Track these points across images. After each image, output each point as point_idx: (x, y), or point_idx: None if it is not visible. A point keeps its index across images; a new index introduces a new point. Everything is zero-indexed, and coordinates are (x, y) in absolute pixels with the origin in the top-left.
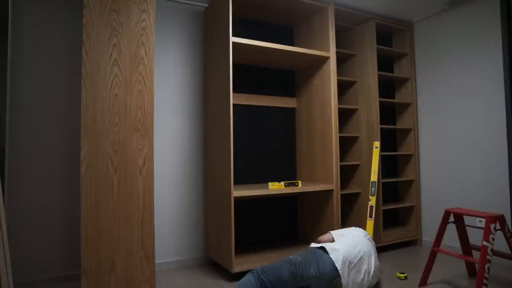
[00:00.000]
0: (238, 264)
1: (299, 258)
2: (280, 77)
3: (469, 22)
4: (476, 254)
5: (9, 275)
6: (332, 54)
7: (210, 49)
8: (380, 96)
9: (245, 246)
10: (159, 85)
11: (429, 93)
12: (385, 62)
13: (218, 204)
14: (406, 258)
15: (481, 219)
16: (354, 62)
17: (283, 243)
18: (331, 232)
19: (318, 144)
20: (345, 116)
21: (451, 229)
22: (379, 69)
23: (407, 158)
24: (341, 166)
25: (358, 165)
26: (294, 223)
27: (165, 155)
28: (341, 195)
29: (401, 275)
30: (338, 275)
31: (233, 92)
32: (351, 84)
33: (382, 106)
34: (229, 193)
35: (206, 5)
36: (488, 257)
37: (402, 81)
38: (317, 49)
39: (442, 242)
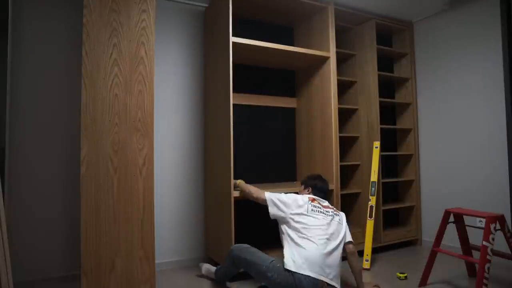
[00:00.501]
0: None
1: (278, 279)
2: (280, 77)
3: (469, 22)
4: (476, 254)
5: (9, 275)
6: (332, 54)
7: (210, 49)
8: (380, 96)
9: None
10: (159, 85)
11: (429, 93)
12: (385, 62)
13: (218, 204)
14: (406, 258)
15: (481, 219)
16: (354, 62)
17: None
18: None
19: (318, 144)
20: (345, 116)
21: (451, 229)
22: (379, 69)
23: (407, 158)
24: (341, 166)
25: (358, 165)
26: None
27: (165, 155)
28: (341, 195)
29: (401, 275)
30: (323, 284)
31: (233, 92)
32: (351, 84)
33: (382, 106)
34: (229, 193)
35: (206, 5)
36: (488, 257)
37: (402, 81)
38: (317, 49)
39: (442, 242)
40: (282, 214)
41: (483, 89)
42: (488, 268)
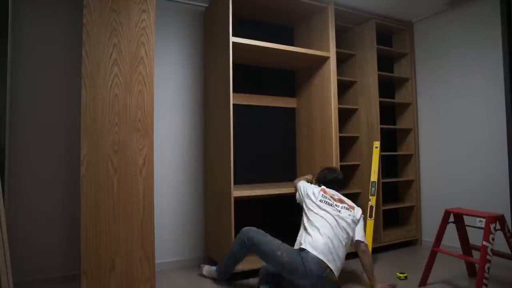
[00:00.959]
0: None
1: (286, 258)
2: (280, 77)
3: (469, 22)
4: (476, 254)
5: (9, 275)
6: (332, 54)
7: (210, 49)
8: (380, 96)
9: None
10: (159, 85)
11: (429, 93)
12: (385, 62)
13: (218, 204)
14: (406, 258)
15: (481, 219)
16: (354, 62)
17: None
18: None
19: (318, 144)
20: (345, 116)
21: (451, 229)
22: (379, 69)
23: (407, 158)
24: (341, 166)
25: (358, 165)
26: (294, 223)
27: (165, 155)
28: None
29: (401, 275)
30: (326, 267)
31: (233, 92)
32: (351, 84)
33: (382, 106)
34: (229, 193)
35: (206, 5)
36: (488, 257)
37: (402, 81)
38: (317, 49)
39: (442, 242)
40: (300, 198)
41: (483, 89)
42: (488, 268)
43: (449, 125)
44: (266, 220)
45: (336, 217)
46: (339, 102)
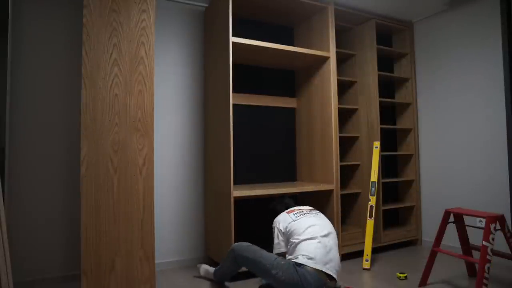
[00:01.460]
0: None
1: (282, 277)
2: (280, 77)
3: (469, 22)
4: (476, 254)
5: (9, 275)
6: (332, 54)
7: (210, 49)
8: (380, 96)
9: None
10: (159, 85)
11: (429, 93)
12: (385, 62)
13: (218, 204)
14: (406, 258)
15: (481, 219)
16: (354, 62)
17: None
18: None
19: (318, 144)
20: (345, 116)
21: (451, 229)
22: (379, 69)
23: (407, 158)
24: (341, 166)
25: (358, 165)
26: None
27: (165, 155)
28: (341, 195)
29: (401, 275)
30: (325, 277)
31: (233, 92)
32: (351, 84)
33: (382, 106)
34: (229, 193)
35: (206, 5)
36: (488, 257)
37: (402, 81)
38: (317, 49)
39: (442, 242)
40: (284, 241)
41: (483, 88)
42: (488, 268)
43: (449, 125)
44: (266, 220)
45: (318, 218)
46: (339, 102)
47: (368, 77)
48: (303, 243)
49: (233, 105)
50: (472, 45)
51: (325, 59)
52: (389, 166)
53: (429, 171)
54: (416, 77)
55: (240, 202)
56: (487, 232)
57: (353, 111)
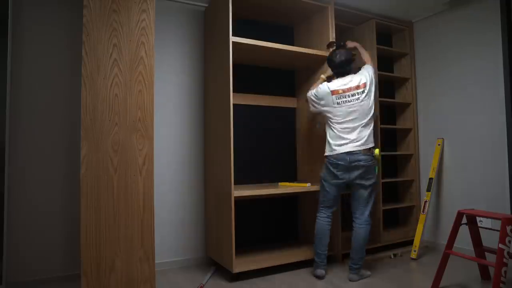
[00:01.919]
0: (239, 264)
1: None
2: (280, 77)
3: (469, 22)
4: (488, 257)
5: None
6: None
7: (210, 49)
8: (380, 96)
9: (245, 246)
10: (159, 85)
11: (429, 93)
12: (385, 62)
13: (218, 204)
14: (406, 258)
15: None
16: (354, 62)
17: (283, 243)
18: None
19: (318, 144)
20: None
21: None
22: (379, 69)
23: (407, 158)
24: None
25: None
26: (294, 223)
27: (165, 155)
28: (341, 194)
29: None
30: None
31: (233, 92)
32: None
33: (382, 106)
34: (229, 193)
35: (206, 5)
36: (504, 260)
37: (402, 81)
38: (317, 49)
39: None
40: (316, 109)
41: (483, 88)
42: (505, 272)
43: (449, 125)
44: (266, 220)
45: (353, 110)
46: None
47: None
48: (331, 132)
49: (233, 105)
50: (472, 44)
51: (325, 59)
52: (389, 166)
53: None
54: (416, 77)
55: (241, 202)
56: (503, 234)
57: None
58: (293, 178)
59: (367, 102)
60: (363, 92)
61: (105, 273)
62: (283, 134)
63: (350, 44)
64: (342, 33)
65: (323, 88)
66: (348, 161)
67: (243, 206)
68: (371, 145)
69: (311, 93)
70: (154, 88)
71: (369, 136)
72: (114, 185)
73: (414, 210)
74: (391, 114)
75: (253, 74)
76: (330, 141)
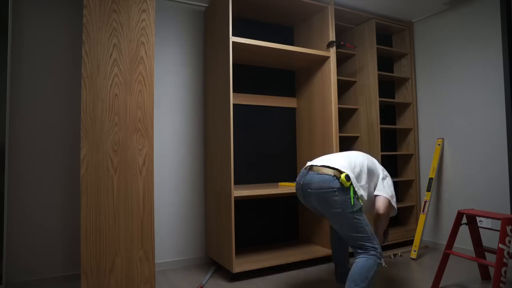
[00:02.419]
0: (239, 264)
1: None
2: (280, 77)
3: (469, 22)
4: (488, 256)
5: None
6: (332, 54)
7: (210, 49)
8: (380, 96)
9: (245, 246)
10: (159, 85)
11: (429, 93)
12: (385, 62)
13: (218, 204)
14: (406, 257)
15: (489, 219)
16: (354, 62)
17: (283, 243)
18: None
19: (319, 143)
20: (345, 116)
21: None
22: (379, 69)
23: (407, 158)
24: None
25: None
26: (294, 223)
27: (165, 155)
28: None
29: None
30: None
31: (233, 92)
32: (351, 84)
33: (382, 106)
34: (229, 193)
35: (206, 5)
36: (504, 260)
37: (402, 81)
38: (317, 49)
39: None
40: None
41: (483, 88)
42: (505, 272)
43: (449, 125)
44: (266, 220)
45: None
46: (339, 102)
47: (368, 77)
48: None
49: (233, 105)
50: (472, 44)
51: (325, 59)
52: (389, 166)
53: (429, 171)
54: (416, 77)
55: (241, 202)
56: (503, 234)
57: (353, 111)
58: (293, 178)
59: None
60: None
61: (105, 273)
62: (283, 134)
63: None
64: (342, 33)
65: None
66: None
67: (243, 206)
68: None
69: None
70: (154, 88)
71: None
72: (114, 185)
73: (414, 210)
74: (391, 114)
75: (253, 74)
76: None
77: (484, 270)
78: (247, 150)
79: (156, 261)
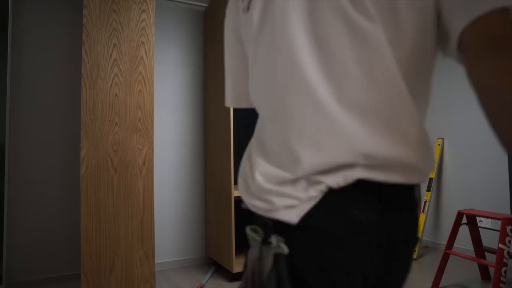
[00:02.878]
0: (239, 264)
1: None
2: None
3: None
4: (488, 256)
5: None
6: None
7: (210, 49)
8: None
9: (245, 246)
10: (159, 85)
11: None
12: None
13: (218, 204)
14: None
15: (489, 219)
16: None
17: None
18: None
19: None
20: None
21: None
22: None
23: None
24: None
25: None
26: None
27: (165, 155)
28: None
29: None
30: None
31: None
32: None
33: None
34: (229, 193)
35: (206, 5)
36: (504, 260)
37: None
38: None
39: (442, 243)
40: None
41: None
42: (505, 272)
43: (449, 125)
44: None
45: None
46: None
47: None
48: None
49: None
50: None
51: None
52: None
53: None
54: None
55: (241, 202)
56: (503, 234)
57: None
58: None
59: None
60: None
61: (105, 273)
62: None
63: None
64: None
65: None
66: None
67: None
68: None
69: None
70: (154, 88)
71: None
72: (114, 185)
73: None
74: None
75: None
76: None
77: (484, 270)
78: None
79: (156, 261)
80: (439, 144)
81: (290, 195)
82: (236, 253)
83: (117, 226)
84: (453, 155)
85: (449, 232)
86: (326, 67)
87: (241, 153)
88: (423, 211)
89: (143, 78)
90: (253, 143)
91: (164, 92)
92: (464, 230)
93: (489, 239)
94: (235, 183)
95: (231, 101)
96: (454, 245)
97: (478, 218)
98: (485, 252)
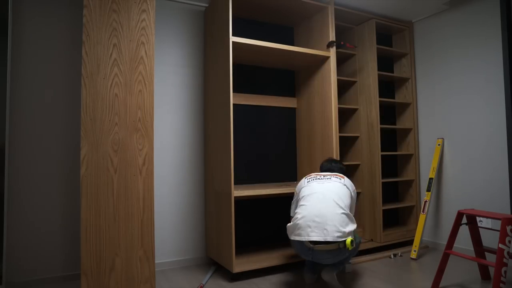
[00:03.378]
0: (239, 264)
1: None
2: (280, 77)
3: (469, 22)
4: (488, 256)
5: None
6: (332, 54)
7: (210, 49)
8: (380, 96)
9: (245, 246)
10: (159, 85)
11: (429, 93)
12: (385, 62)
13: (218, 204)
14: (406, 257)
15: (489, 219)
16: (354, 62)
17: (283, 243)
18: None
19: (318, 144)
20: (345, 116)
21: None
22: (379, 69)
23: (407, 158)
24: None
25: (358, 165)
26: None
27: (165, 155)
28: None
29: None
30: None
31: (233, 92)
32: (351, 84)
33: (382, 106)
34: (229, 193)
35: (206, 5)
36: (504, 260)
37: (402, 81)
38: (317, 49)
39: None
40: (292, 210)
41: (483, 88)
42: (505, 272)
43: (449, 125)
44: (266, 220)
45: (323, 184)
46: (339, 102)
47: (368, 77)
48: (300, 209)
49: (233, 105)
50: (472, 44)
51: (325, 58)
52: (389, 166)
53: (429, 171)
54: (416, 77)
55: (241, 202)
56: (503, 234)
57: (353, 111)
58: (293, 178)
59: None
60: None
61: (105, 273)
62: (283, 134)
63: None
64: (342, 33)
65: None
66: None
67: (243, 206)
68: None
69: None
70: (154, 88)
71: None
72: (114, 185)
73: (414, 210)
74: (391, 114)
75: (253, 74)
76: None
77: (484, 270)
78: (247, 150)
79: (156, 261)
80: (439, 144)
81: None
82: (236, 253)
83: (117, 226)
84: (453, 155)
85: (449, 232)
86: None
87: (241, 153)
88: (423, 211)
89: (143, 78)
90: None
91: (164, 92)
92: (464, 230)
93: (489, 239)
94: (235, 183)
95: None
96: (454, 245)
97: (478, 218)
98: (485, 252)
